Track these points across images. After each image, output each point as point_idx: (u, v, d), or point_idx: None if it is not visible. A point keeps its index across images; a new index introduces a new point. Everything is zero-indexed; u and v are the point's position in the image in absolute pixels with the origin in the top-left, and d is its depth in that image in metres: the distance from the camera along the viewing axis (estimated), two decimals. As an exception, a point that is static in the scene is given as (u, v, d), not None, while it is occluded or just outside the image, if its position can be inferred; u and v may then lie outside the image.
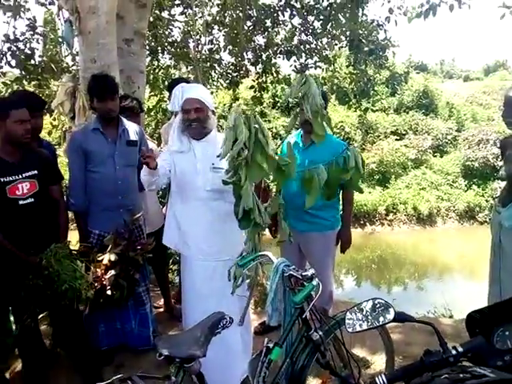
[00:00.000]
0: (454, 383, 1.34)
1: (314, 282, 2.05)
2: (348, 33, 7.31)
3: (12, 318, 3.08)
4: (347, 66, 9.24)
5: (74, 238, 3.07)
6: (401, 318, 1.67)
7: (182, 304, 2.96)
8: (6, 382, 2.57)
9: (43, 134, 3.70)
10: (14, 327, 3.01)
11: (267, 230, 3.63)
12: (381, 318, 1.69)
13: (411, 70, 25.41)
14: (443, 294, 5.75)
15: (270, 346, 2.06)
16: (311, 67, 7.97)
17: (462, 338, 3.02)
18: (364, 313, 1.75)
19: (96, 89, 2.98)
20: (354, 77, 8.41)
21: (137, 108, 3.55)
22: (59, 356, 3.31)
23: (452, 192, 19.68)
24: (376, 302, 1.74)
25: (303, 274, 2.08)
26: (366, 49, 7.52)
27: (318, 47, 7.77)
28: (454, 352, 1.45)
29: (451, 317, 4.50)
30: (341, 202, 3.38)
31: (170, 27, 7.89)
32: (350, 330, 1.74)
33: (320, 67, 8.10)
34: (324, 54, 7.85)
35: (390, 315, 1.66)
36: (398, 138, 21.50)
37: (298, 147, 3.24)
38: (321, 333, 2.19)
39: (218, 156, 2.40)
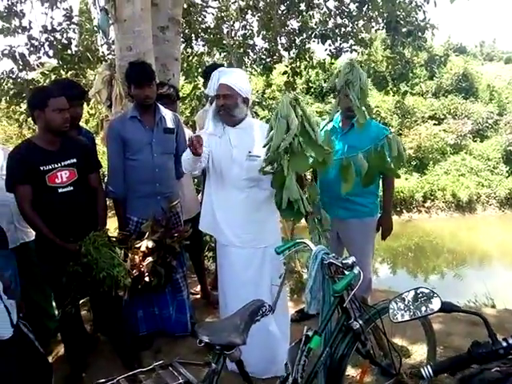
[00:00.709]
0: (506, 377, 1.28)
1: (355, 271, 2.00)
2: (385, 14, 7.09)
3: (54, 304, 3.17)
4: (384, 49, 8.99)
5: (112, 224, 3.10)
6: (448, 308, 1.61)
7: (219, 291, 2.96)
8: (49, 367, 2.64)
9: (80, 123, 3.74)
10: (56, 312, 3.09)
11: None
12: (424, 308, 1.65)
13: (450, 53, 24.57)
14: (484, 282, 5.56)
15: (310, 334, 2.04)
16: (346, 51, 7.79)
17: (507, 329, 2.92)
18: (407, 303, 1.71)
19: (133, 76, 2.98)
20: (392, 60, 8.17)
21: (173, 95, 3.55)
22: (99, 341, 3.39)
23: (493, 178, 19.03)
24: (419, 291, 1.69)
25: (343, 261, 2.03)
26: (403, 30, 7.28)
27: (354, 30, 7.57)
28: (504, 344, 1.39)
29: (493, 306, 4.35)
30: (380, 188, 3.29)
31: (204, 13, 7.85)
32: (393, 320, 1.69)
33: (356, 50, 7.91)
34: (360, 36, 7.66)
35: (435, 305, 1.61)
36: (437, 122, 20.88)
37: (337, 133, 3.17)
38: (361, 322, 2.15)
39: (264, 146, 2.37)
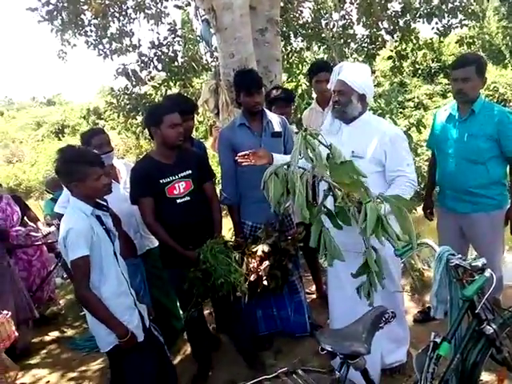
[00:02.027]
0: None
1: (487, 274, 1.84)
2: (498, -18, 6.49)
3: (179, 304, 3.35)
4: (499, 20, 8.21)
5: (225, 226, 3.16)
6: None
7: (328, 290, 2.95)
8: (174, 371, 2.81)
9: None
10: (181, 312, 3.27)
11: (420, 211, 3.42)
12: None
13: None
14: None
15: (438, 340, 1.93)
16: (456, 27, 7.25)
17: None
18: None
19: (243, 84, 3.04)
20: (509, 30, 7.43)
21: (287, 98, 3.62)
22: (220, 341, 3.52)
23: None
24: None
25: (472, 264, 1.88)
26: (521, -3, 6.60)
27: (463, 4, 7.02)
28: None
29: None
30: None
31: (300, 9, 7.78)
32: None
33: (466, 25, 7.33)
34: (470, 10, 7.06)
35: None
36: None
37: (454, 120, 2.94)
38: (495, 326, 1.98)
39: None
